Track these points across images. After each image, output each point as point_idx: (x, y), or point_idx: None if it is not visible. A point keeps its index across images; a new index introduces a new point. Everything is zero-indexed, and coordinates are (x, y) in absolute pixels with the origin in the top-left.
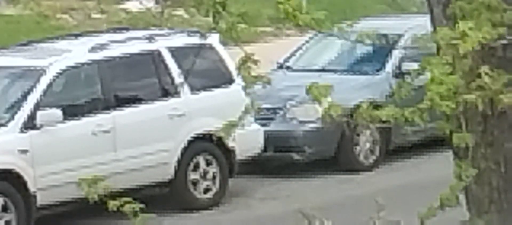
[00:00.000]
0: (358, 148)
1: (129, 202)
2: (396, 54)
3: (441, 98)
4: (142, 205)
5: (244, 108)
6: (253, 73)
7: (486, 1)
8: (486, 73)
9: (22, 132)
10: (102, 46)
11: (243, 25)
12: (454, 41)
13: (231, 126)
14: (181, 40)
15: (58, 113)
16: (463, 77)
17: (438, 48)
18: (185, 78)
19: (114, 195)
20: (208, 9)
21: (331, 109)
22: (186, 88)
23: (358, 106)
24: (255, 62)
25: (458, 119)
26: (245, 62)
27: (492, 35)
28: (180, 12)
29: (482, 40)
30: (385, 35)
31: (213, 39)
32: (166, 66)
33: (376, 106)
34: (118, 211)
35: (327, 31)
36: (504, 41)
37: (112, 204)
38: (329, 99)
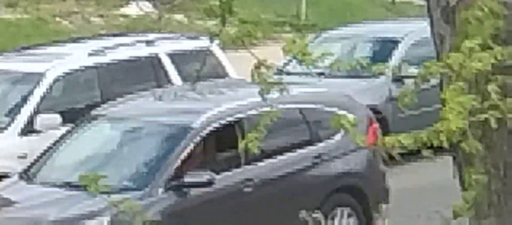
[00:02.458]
0: None
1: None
2: (396, 58)
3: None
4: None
5: (263, 117)
6: (268, 78)
7: (488, 7)
8: (496, 92)
9: (21, 136)
10: (101, 51)
11: (256, 32)
12: (466, 64)
13: (255, 138)
14: (180, 44)
15: (57, 117)
16: (476, 94)
17: (438, 55)
18: (185, 81)
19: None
20: (217, 14)
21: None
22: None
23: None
24: (269, 67)
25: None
26: (259, 68)
27: (503, 55)
28: (179, 16)
29: (493, 61)
30: (384, 39)
31: (212, 43)
32: (165, 70)
33: (376, 111)
34: None
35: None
36: None
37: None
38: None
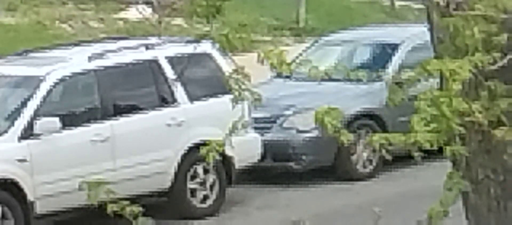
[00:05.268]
0: (356, 156)
1: (128, 205)
2: (395, 62)
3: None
4: (141, 209)
5: (232, 126)
6: (243, 86)
7: (482, 12)
8: (478, 111)
9: (20, 140)
10: (100, 55)
11: (240, 35)
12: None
13: (219, 145)
14: (179, 49)
15: (57, 121)
16: (465, 94)
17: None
18: (184, 85)
19: (114, 203)
20: (204, 16)
21: (330, 117)
22: (184, 97)
23: (357, 116)
24: (246, 75)
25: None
26: (235, 75)
27: (484, 62)
28: (179, 21)
29: (472, 71)
30: (384, 43)
31: (211, 47)
32: (164, 75)
33: (374, 115)
34: (117, 218)
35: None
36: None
37: (111, 206)
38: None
